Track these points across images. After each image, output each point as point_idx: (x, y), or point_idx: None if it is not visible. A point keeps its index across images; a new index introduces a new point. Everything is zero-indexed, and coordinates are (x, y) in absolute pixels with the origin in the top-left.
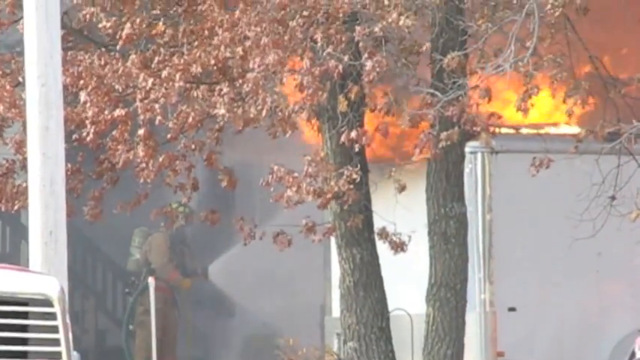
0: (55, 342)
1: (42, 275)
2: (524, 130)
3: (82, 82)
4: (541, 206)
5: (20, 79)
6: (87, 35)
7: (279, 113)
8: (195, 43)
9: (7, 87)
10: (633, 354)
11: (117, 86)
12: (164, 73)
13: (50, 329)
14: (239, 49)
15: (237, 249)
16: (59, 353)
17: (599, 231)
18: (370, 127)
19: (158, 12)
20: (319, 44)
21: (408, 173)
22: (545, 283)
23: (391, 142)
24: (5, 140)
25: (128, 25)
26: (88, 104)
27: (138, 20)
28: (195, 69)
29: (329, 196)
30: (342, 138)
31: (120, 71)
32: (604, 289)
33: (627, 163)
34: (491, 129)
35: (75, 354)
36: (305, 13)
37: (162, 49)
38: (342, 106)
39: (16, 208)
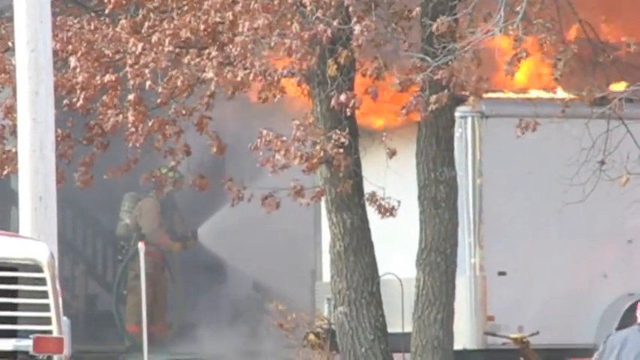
0: (45, 307)
1: (31, 240)
2: (513, 95)
3: (71, 47)
4: (531, 171)
5: (10, 44)
6: (76, 0)
7: (268, 77)
8: (185, 8)
9: None
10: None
11: (107, 51)
12: (154, 38)
13: (40, 294)
14: (229, 14)
15: (227, 211)
16: (49, 318)
17: (589, 195)
18: (359, 92)
19: None
20: (309, 8)
21: (399, 138)
22: (535, 248)
23: (380, 109)
24: None
25: None
26: (78, 69)
27: None
28: (185, 34)
29: (315, 160)
30: (332, 102)
31: (110, 36)
32: (594, 253)
33: (617, 127)
34: (480, 93)
35: (65, 319)
36: None
37: (152, 14)
38: (332, 70)
39: (5, 173)
